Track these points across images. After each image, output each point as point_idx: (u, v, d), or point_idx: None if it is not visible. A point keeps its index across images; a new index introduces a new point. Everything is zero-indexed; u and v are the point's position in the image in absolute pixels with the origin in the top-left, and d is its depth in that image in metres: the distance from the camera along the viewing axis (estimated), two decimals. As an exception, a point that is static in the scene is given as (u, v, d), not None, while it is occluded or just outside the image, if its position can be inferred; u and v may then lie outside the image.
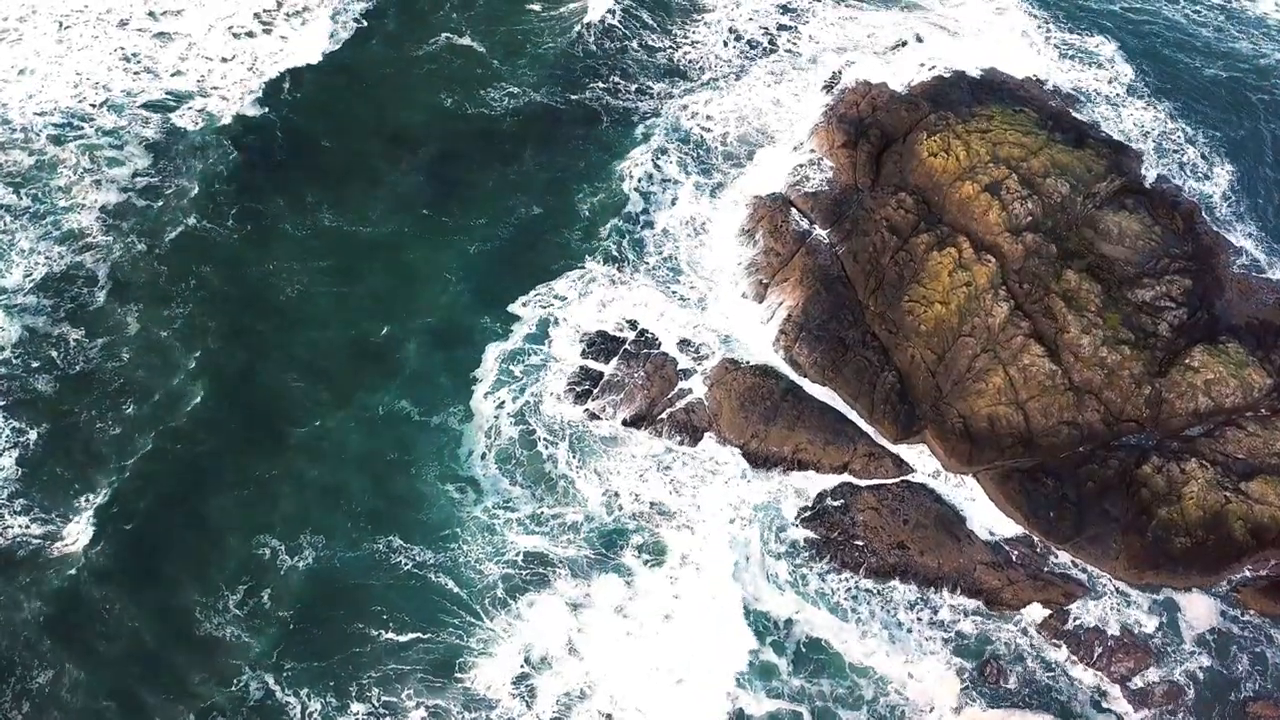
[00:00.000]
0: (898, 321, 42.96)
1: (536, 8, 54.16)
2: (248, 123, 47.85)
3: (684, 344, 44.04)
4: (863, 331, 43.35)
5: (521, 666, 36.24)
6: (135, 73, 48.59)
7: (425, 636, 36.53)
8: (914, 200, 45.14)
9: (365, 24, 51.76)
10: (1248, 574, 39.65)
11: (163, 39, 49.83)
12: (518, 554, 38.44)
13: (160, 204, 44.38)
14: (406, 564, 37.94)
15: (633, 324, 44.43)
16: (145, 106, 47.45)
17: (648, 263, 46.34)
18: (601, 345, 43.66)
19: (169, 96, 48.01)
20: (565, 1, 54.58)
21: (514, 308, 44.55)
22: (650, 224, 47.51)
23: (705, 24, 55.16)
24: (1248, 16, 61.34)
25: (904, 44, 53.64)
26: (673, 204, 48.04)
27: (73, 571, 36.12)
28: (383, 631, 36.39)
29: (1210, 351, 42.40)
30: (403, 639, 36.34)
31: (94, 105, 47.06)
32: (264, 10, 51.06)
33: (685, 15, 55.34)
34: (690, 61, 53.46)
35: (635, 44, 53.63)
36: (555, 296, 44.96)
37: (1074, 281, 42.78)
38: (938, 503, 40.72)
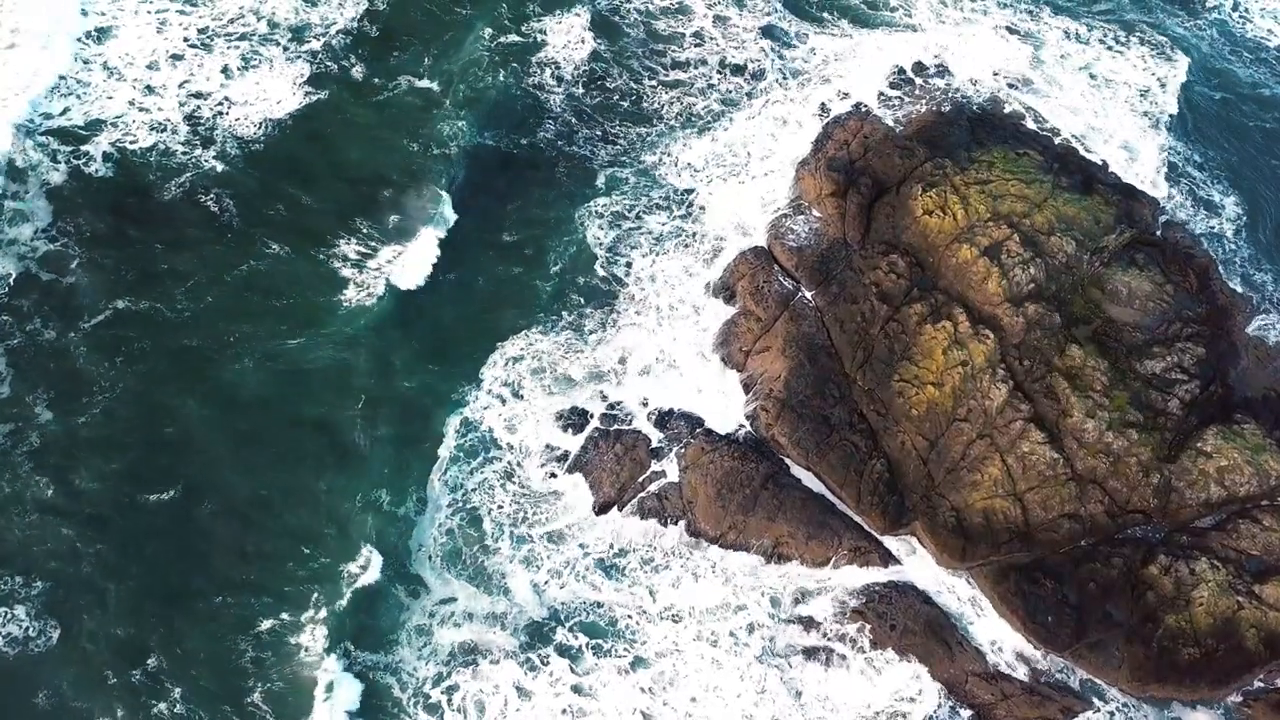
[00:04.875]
0: (888, 402, 39.59)
1: (486, 35, 48.62)
2: (167, 168, 42.54)
3: (656, 419, 40.70)
4: (849, 410, 39.97)
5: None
6: (62, 95, 43.94)
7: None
8: (906, 263, 41.48)
9: (310, 58, 46.64)
10: (1260, 685, 37.02)
11: (86, 65, 44.98)
12: (455, 651, 35.74)
13: (61, 258, 40.33)
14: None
15: (602, 396, 41.15)
16: (53, 134, 42.64)
17: (616, 324, 42.64)
18: (568, 420, 40.38)
19: (84, 129, 43.11)
20: (511, 30, 49.39)
21: (471, 378, 41.02)
22: (619, 281, 43.67)
23: (683, 55, 49.83)
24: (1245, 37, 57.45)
25: (900, 71, 49.47)
26: (644, 258, 44.17)
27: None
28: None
29: (1224, 434, 39.23)
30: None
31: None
32: (200, 35, 46.12)
33: (661, 44, 50.18)
34: (665, 97, 48.53)
35: (603, 79, 48.58)
36: (519, 363, 41.39)
37: (1078, 358, 39.41)
38: (928, 604, 37.79)
